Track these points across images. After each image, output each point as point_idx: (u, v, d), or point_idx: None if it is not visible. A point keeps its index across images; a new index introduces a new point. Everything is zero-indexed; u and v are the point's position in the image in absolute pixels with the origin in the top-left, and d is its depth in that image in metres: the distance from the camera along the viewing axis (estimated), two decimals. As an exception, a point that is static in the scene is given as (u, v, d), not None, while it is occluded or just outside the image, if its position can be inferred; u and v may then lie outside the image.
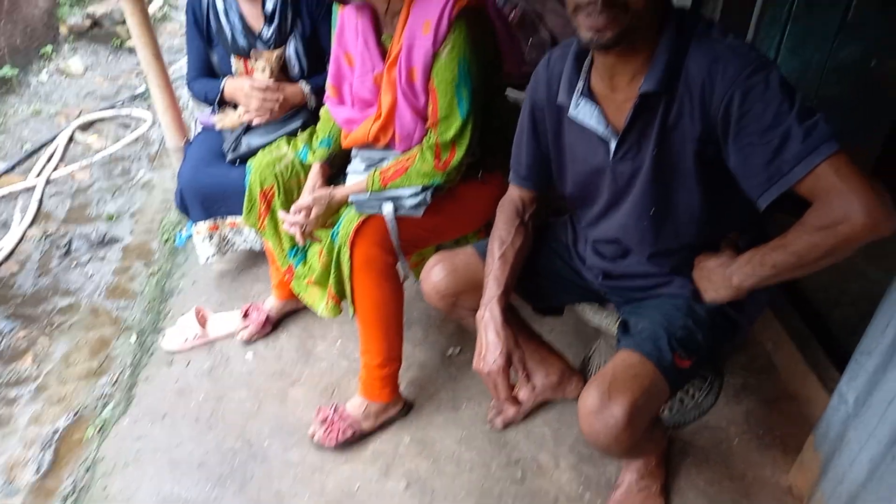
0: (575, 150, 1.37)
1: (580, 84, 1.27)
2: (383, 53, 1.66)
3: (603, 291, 1.54)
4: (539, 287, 1.61)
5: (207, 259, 2.25)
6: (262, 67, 2.04)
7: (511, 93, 2.09)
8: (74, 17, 4.88)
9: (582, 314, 1.67)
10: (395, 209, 1.68)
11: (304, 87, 2.10)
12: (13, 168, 3.45)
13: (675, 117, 1.18)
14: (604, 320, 1.62)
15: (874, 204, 1.01)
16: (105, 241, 2.90)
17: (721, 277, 1.28)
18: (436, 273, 1.56)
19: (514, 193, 1.54)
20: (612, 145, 1.27)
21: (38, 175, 3.34)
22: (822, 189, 1.05)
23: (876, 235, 1.03)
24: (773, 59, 2.27)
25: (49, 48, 4.61)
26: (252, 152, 2.05)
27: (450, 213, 1.76)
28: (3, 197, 3.19)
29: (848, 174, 1.04)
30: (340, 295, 1.77)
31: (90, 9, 4.95)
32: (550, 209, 1.71)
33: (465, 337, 2.13)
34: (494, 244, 1.47)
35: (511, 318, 1.43)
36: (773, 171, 1.08)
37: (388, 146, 1.75)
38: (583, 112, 1.27)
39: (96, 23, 4.88)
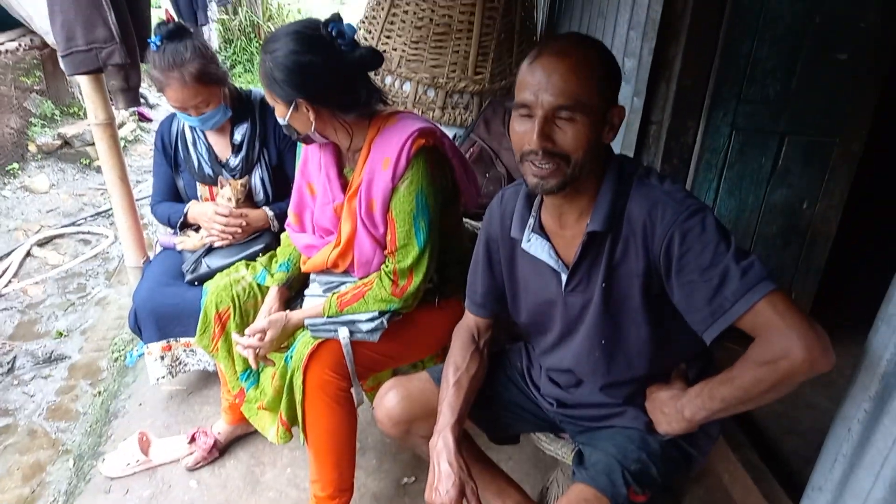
0: (528, 281, 1.43)
1: (531, 220, 1.35)
2: (344, 185, 1.74)
3: (558, 420, 1.54)
4: (495, 416, 1.61)
5: (158, 380, 2.20)
6: (227, 195, 2.10)
7: (469, 222, 2.18)
8: (45, 137, 4.98)
9: (538, 443, 1.66)
10: (351, 333, 1.69)
11: (268, 212, 2.17)
12: (-37, 282, 3.38)
13: (620, 254, 1.25)
14: (560, 450, 1.61)
15: (812, 341, 1.05)
16: (52, 359, 2.81)
17: (673, 410, 1.29)
18: (389, 399, 1.55)
19: (470, 320, 1.57)
20: (564, 277, 1.32)
21: (-11, 290, 3.27)
22: (762, 326, 1.10)
23: (815, 372, 1.06)
24: (713, 200, 2.45)
25: (16, 165, 4.66)
26: (211, 274, 2.07)
27: (406, 339, 1.78)
28: (-51, 311, 3.10)
29: (785, 311, 1.08)
30: (292, 420, 1.73)
31: (62, 129, 5.06)
32: (508, 335, 1.74)
33: (421, 466, 2.08)
34: (449, 370, 1.48)
35: (466, 446, 1.42)
36: (715, 307, 1.13)
37: (347, 272, 1.79)
38: (535, 246, 1.34)
39: (67, 142, 4.98)
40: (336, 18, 1.59)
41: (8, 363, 2.76)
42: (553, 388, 1.51)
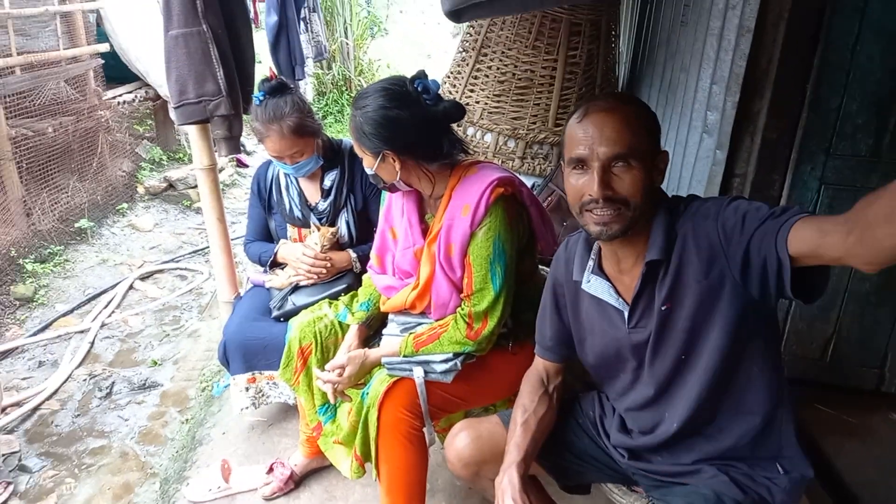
0: (594, 324, 1.45)
1: (590, 263, 1.40)
2: (424, 231, 1.82)
3: (630, 472, 1.52)
4: (566, 463, 1.60)
5: (242, 410, 2.31)
6: (315, 240, 2.23)
7: (545, 269, 2.21)
8: (152, 180, 5.39)
9: (610, 494, 1.63)
10: (426, 374, 1.74)
11: (352, 254, 2.27)
12: (72, 311, 3.67)
13: (676, 271, 1.27)
14: (634, 503, 1.58)
15: None
16: (146, 386, 2.99)
17: None
18: (460, 440, 1.58)
19: (540, 364, 1.60)
20: (625, 314, 1.35)
21: (94, 319, 3.53)
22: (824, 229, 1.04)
23: None
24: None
25: (125, 206, 5.06)
26: (296, 311, 2.18)
27: (479, 381, 1.80)
28: (59, 337, 3.36)
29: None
30: (365, 456, 1.78)
31: (168, 173, 5.48)
32: (582, 383, 1.74)
33: (488, 511, 2.07)
34: (517, 412, 1.50)
35: (534, 491, 1.42)
36: (780, 218, 1.12)
37: (424, 313, 1.85)
38: (594, 286, 1.39)
39: (171, 185, 5.38)
40: (421, 75, 1.69)
41: (107, 388, 2.96)
42: (623, 436, 1.49)
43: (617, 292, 1.36)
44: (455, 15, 2.63)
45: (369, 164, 1.71)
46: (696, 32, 2.59)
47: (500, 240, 1.66)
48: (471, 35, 3.34)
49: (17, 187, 4.21)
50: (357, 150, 1.73)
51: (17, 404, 2.79)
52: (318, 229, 2.24)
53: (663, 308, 1.29)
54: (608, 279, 1.38)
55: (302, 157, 2.16)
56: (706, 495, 1.33)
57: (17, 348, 3.25)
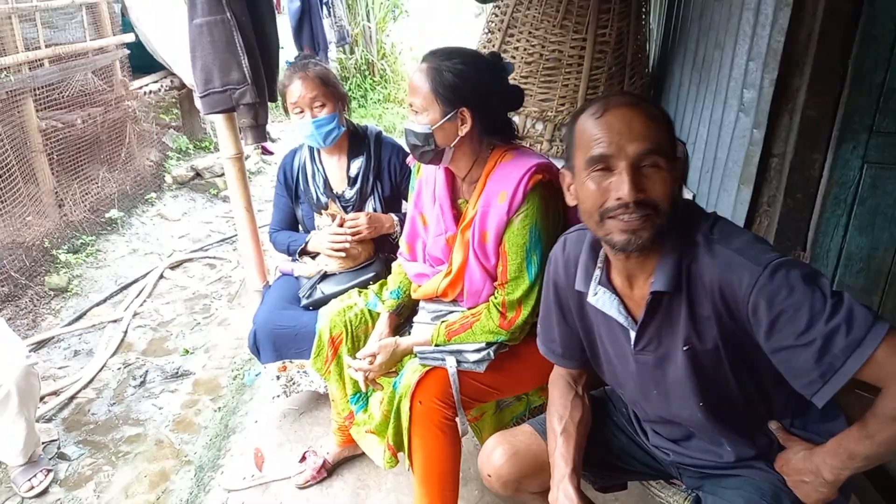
0: (600, 332, 1.36)
1: (597, 273, 1.28)
2: (457, 216, 1.79)
3: (674, 468, 1.45)
4: (603, 464, 1.53)
5: (273, 398, 2.32)
6: (326, 222, 2.24)
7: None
8: (179, 169, 5.43)
9: (648, 488, 1.60)
10: (458, 363, 1.72)
11: (394, 217, 2.29)
12: (105, 300, 3.71)
13: (701, 317, 1.17)
14: (671, 497, 1.53)
15: None
16: (178, 374, 3.02)
17: (812, 476, 1.19)
18: (497, 457, 1.48)
19: (562, 369, 1.52)
20: (633, 335, 1.26)
21: (127, 308, 3.58)
22: (889, 376, 1.02)
23: None
24: (841, 237, 2.30)
25: (153, 195, 5.11)
26: (325, 300, 2.17)
27: (512, 371, 1.78)
28: (93, 326, 3.41)
29: None
30: (398, 446, 1.77)
31: (194, 162, 5.51)
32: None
33: (522, 500, 2.05)
34: (553, 420, 1.43)
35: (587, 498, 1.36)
36: (824, 368, 1.04)
37: (456, 301, 1.83)
38: (601, 300, 1.27)
39: (198, 174, 5.41)
40: (500, 56, 1.71)
41: (141, 376, 3.00)
42: (662, 439, 1.43)
43: (626, 309, 1.26)
44: (481, -5, 2.59)
45: (432, 121, 1.62)
46: (732, 7, 2.50)
47: (536, 227, 1.62)
48: (496, 16, 3.27)
49: (49, 179, 4.26)
50: (419, 104, 1.63)
51: (55, 393, 2.83)
52: (322, 213, 2.25)
53: (686, 348, 1.20)
54: (616, 292, 1.26)
55: (323, 110, 2.16)
56: (763, 489, 1.26)
57: (52, 338, 3.31)
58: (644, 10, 3.24)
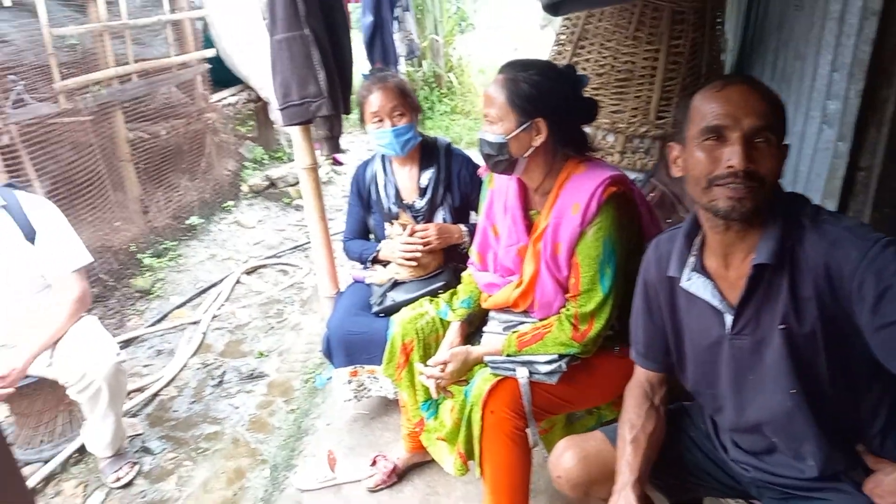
0: (691, 325, 1.37)
1: (692, 259, 1.32)
2: (528, 227, 1.80)
3: (753, 487, 1.42)
4: (678, 480, 1.51)
5: (345, 402, 2.38)
6: (398, 231, 2.29)
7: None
8: (255, 178, 5.64)
9: (721, 506, 1.57)
10: (530, 374, 1.73)
11: (463, 228, 2.32)
12: (185, 303, 3.89)
13: (803, 294, 1.18)
14: (748, 515, 1.51)
15: None
16: (253, 376, 3.13)
17: None
18: (566, 460, 1.50)
19: (641, 375, 1.52)
20: (728, 319, 1.27)
21: (206, 311, 3.74)
22: None
23: None
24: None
25: (231, 203, 5.32)
26: (396, 307, 2.22)
27: (584, 384, 1.77)
28: (174, 328, 3.58)
29: None
30: (468, 454, 1.79)
31: (269, 172, 5.71)
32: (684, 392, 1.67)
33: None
34: (625, 428, 1.43)
35: None
36: None
37: (527, 311, 1.84)
38: (695, 285, 1.30)
39: (272, 183, 5.60)
40: (574, 68, 1.75)
41: (218, 376, 3.13)
42: (742, 454, 1.39)
43: (721, 293, 1.27)
44: (553, 8, 2.60)
45: (506, 131, 1.64)
46: (814, 17, 2.43)
47: (610, 240, 1.62)
48: (567, 28, 3.27)
49: (136, 187, 4.51)
50: (495, 115, 1.65)
51: (140, 390, 2.99)
52: (393, 223, 2.31)
53: (782, 327, 1.20)
54: (710, 278, 1.29)
55: (403, 119, 2.22)
56: None
57: (137, 337, 3.49)
58: (719, 20, 3.18)
